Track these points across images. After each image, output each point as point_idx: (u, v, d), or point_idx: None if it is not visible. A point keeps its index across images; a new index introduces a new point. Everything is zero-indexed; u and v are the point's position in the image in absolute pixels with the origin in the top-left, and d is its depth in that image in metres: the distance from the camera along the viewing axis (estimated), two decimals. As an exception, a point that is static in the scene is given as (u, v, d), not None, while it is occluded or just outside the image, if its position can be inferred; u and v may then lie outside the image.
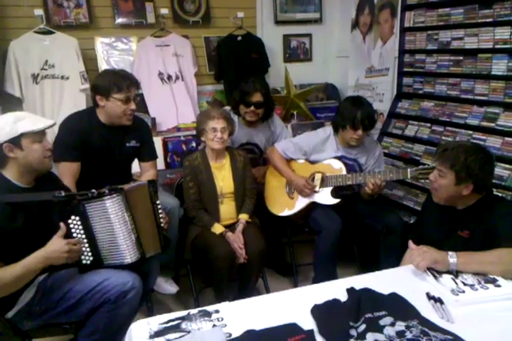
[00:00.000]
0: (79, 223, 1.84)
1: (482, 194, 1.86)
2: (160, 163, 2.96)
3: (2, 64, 3.10)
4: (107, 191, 1.86)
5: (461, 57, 2.83)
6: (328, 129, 2.79)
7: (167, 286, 2.69)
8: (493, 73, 2.65)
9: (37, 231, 1.77)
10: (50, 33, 3.15)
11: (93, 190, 1.86)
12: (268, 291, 2.77)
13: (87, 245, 1.86)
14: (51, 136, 2.66)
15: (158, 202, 2.12)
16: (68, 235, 1.81)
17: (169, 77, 3.53)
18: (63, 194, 1.81)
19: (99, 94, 2.34)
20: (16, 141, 1.74)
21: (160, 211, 2.13)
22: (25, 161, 1.78)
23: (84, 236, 1.85)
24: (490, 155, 1.85)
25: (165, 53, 3.51)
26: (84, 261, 1.87)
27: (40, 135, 1.81)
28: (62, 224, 1.79)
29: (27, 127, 1.75)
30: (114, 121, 2.42)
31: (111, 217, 1.86)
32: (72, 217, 1.83)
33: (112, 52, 3.43)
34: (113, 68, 3.27)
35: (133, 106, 2.38)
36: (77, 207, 1.84)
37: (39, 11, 3.10)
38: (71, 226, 1.83)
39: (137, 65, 3.43)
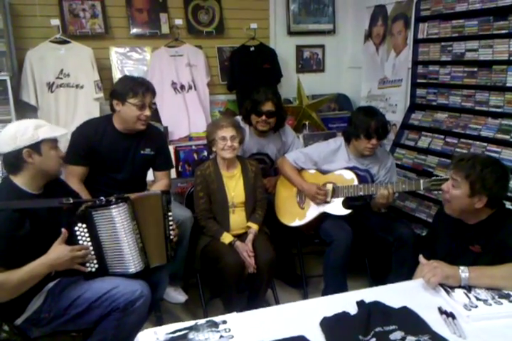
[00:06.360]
0: (85, 230, 1.85)
1: (494, 209, 1.83)
2: (171, 172, 2.96)
3: (18, 72, 3.15)
4: (113, 199, 1.88)
5: (475, 69, 2.81)
6: (339, 140, 2.78)
7: (176, 295, 2.68)
8: (508, 85, 2.62)
9: (45, 238, 1.78)
10: (66, 42, 3.20)
11: (101, 198, 1.89)
12: (278, 303, 2.75)
13: (92, 252, 1.86)
14: (65, 141, 2.71)
15: (170, 213, 2.11)
16: (74, 242, 1.82)
17: (182, 87, 3.56)
18: (71, 201, 1.82)
19: (116, 98, 2.38)
20: (36, 147, 1.78)
21: (171, 223, 2.12)
22: (41, 167, 1.81)
23: (90, 243, 1.86)
24: (506, 170, 1.82)
25: (178, 63, 3.53)
26: (89, 269, 1.87)
27: (55, 142, 1.87)
28: (63, 230, 1.79)
29: (47, 134, 1.81)
30: (128, 126, 2.44)
31: (116, 226, 1.86)
32: (79, 224, 1.84)
33: (127, 62, 3.47)
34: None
35: (147, 112, 2.39)
36: (84, 214, 1.85)
37: (55, 21, 3.16)
38: (77, 233, 1.84)
39: (151, 74, 3.45)
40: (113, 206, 1.86)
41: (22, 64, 3.12)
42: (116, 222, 1.86)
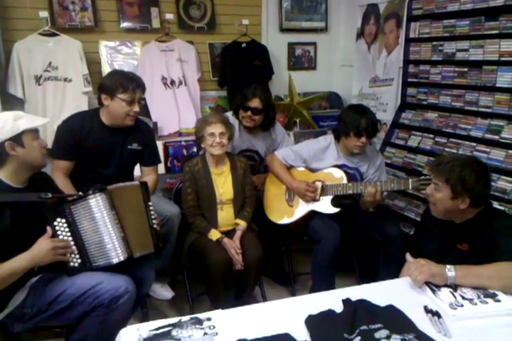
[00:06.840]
0: (65, 225, 1.83)
1: (480, 208, 1.83)
2: (160, 168, 2.93)
3: (6, 65, 3.10)
4: (91, 191, 1.86)
5: (465, 69, 2.82)
6: (329, 137, 2.78)
7: (162, 291, 2.66)
8: (497, 85, 2.63)
9: (26, 232, 1.76)
10: (55, 35, 3.15)
11: (79, 193, 1.88)
12: (265, 300, 2.74)
13: (74, 247, 1.84)
14: (51, 135, 2.68)
15: (150, 203, 2.11)
16: (54, 237, 1.80)
17: (172, 82, 3.52)
18: (50, 195, 1.80)
19: (105, 93, 2.35)
20: (17, 139, 1.76)
21: (152, 212, 2.11)
22: (25, 159, 1.78)
23: (70, 238, 1.84)
24: (485, 168, 1.82)
25: (169, 58, 3.50)
26: (71, 264, 1.84)
27: (37, 132, 1.85)
28: (48, 228, 1.79)
29: (27, 124, 1.78)
30: (116, 122, 2.42)
31: (96, 216, 1.85)
32: (58, 220, 1.83)
33: (116, 56, 3.43)
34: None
35: (136, 108, 2.37)
36: (62, 209, 1.84)
37: (44, 13, 3.09)
38: (57, 228, 1.82)
39: (141, 69, 3.41)
40: (90, 197, 1.85)
41: (9, 56, 3.06)
42: (95, 212, 1.85)
